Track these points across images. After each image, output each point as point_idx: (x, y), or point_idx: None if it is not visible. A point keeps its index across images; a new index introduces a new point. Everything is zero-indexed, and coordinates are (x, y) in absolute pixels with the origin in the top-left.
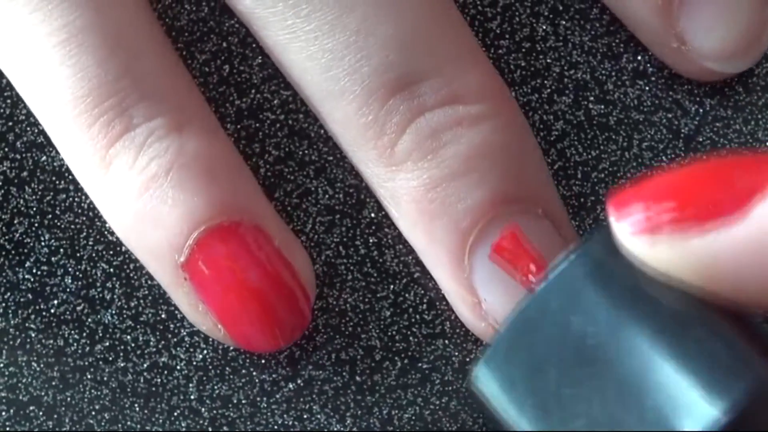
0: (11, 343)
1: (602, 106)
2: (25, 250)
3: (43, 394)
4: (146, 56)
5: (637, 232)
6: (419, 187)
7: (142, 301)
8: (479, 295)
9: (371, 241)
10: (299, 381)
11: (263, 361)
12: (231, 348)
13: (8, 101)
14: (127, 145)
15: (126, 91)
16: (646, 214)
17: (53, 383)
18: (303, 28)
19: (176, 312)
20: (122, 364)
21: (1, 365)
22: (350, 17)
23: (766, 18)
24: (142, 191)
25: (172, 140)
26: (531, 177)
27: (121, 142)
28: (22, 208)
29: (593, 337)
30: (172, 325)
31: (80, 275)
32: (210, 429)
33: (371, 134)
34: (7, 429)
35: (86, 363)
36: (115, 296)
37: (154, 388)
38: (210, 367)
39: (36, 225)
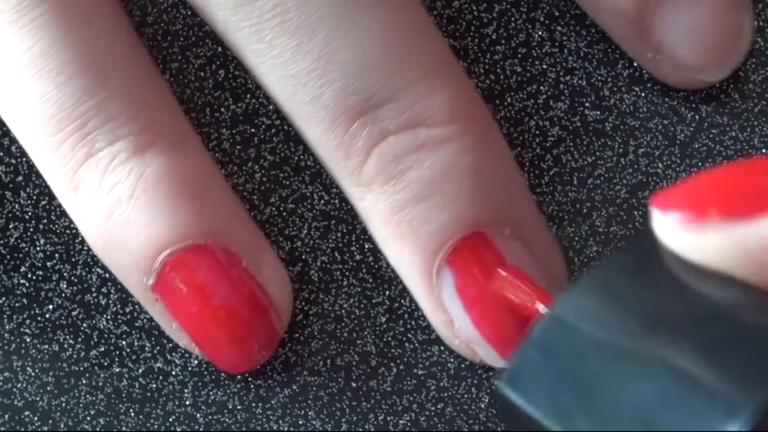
0: (6, 347)
1: (598, 112)
2: (20, 255)
3: (38, 399)
4: (110, 77)
5: (684, 224)
6: (386, 209)
7: (137, 306)
8: (450, 313)
9: (367, 246)
10: (294, 387)
11: (258, 367)
12: None
13: None
14: (92, 170)
15: (88, 114)
16: (694, 206)
17: (48, 388)
18: (268, 53)
19: None
20: (117, 370)
21: None
22: (311, 44)
23: (741, 26)
24: (107, 215)
25: (134, 164)
26: (499, 197)
27: (86, 166)
28: (18, 213)
29: (625, 336)
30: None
31: (75, 280)
32: None
33: (339, 156)
34: None
35: (81, 368)
36: (110, 301)
37: (149, 394)
38: (205, 372)
39: (31, 230)
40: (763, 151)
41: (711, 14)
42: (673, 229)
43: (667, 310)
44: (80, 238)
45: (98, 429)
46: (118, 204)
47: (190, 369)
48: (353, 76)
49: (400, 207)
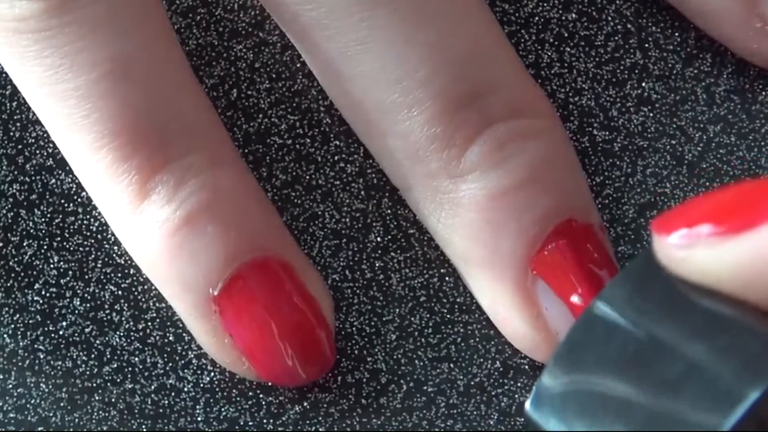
0: (20, 364)
1: (606, 133)
2: (34, 272)
3: (51, 415)
4: (182, 92)
5: (678, 245)
6: (486, 195)
7: (150, 323)
8: (540, 304)
9: (377, 264)
10: (305, 403)
11: (270, 384)
12: None
13: (18, 124)
14: (165, 180)
15: (164, 126)
16: (686, 229)
17: (61, 404)
18: (378, 37)
19: (184, 334)
20: (130, 386)
21: (10, 386)
22: (426, 31)
23: None
24: (180, 225)
25: (208, 176)
26: (584, 188)
27: (159, 176)
28: (32, 231)
29: (638, 345)
30: (179, 347)
31: (89, 297)
32: None
33: (437, 146)
34: None
35: (94, 384)
36: (123, 318)
37: (161, 410)
38: (217, 389)
39: (45, 247)
40: None
41: None
42: (669, 249)
43: (667, 328)
44: (94, 256)
45: None
46: (193, 214)
47: (202, 385)
48: (462, 65)
49: (503, 192)
